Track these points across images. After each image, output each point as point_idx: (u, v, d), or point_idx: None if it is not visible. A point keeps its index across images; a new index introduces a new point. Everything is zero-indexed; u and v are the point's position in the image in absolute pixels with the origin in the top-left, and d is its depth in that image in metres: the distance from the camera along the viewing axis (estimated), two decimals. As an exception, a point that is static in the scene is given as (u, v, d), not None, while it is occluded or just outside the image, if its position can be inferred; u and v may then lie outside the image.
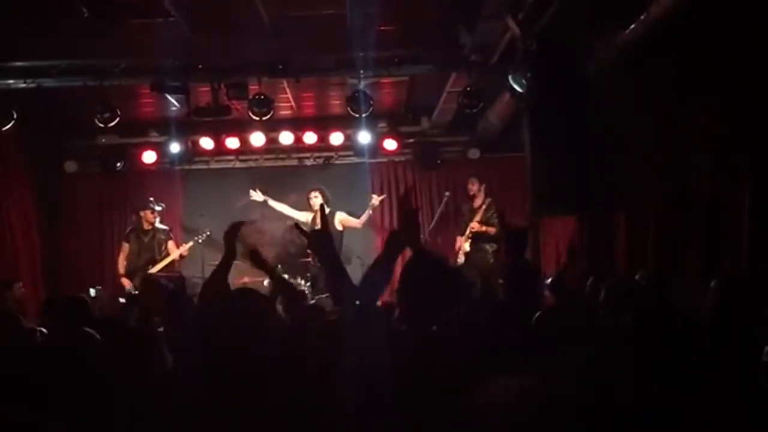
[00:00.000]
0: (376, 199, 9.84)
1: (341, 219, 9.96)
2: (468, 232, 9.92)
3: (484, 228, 9.80)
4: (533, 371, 2.32)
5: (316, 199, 9.91)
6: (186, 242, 10.19)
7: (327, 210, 9.79)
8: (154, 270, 9.69)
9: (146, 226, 9.88)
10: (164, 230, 10.00)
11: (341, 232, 9.92)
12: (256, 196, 10.21)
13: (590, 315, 3.72)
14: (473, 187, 10.12)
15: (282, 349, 2.78)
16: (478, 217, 9.92)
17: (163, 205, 10.26)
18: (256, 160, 11.59)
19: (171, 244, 9.95)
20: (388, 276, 3.03)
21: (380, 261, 3.09)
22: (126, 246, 9.97)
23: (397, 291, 3.08)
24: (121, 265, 9.91)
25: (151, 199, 10.20)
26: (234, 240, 3.76)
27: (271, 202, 10.20)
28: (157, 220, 9.97)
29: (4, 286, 8.31)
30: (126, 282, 9.76)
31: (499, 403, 1.63)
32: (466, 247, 9.88)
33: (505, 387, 1.68)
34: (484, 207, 9.95)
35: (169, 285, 7.63)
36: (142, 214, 9.93)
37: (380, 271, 3.06)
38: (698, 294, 4.49)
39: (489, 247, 9.79)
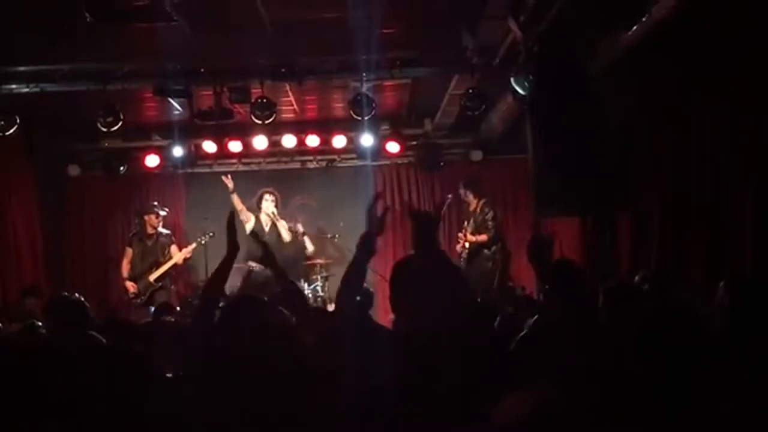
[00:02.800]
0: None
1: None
2: (463, 244, 9.92)
3: (475, 238, 9.81)
4: (548, 381, 2.32)
5: (270, 203, 9.93)
6: (189, 245, 10.20)
7: (276, 214, 9.87)
8: (157, 274, 9.71)
9: (149, 230, 9.90)
10: (167, 234, 10.04)
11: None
12: (228, 183, 10.16)
13: (590, 318, 3.70)
14: (461, 192, 10.21)
15: (284, 355, 2.78)
16: (470, 228, 9.93)
17: (167, 209, 10.28)
18: (259, 163, 11.61)
19: (174, 247, 9.97)
20: (362, 277, 3.05)
21: (353, 264, 3.09)
22: (129, 251, 9.99)
23: (391, 292, 3.07)
24: (125, 269, 9.93)
25: (155, 203, 10.23)
26: (235, 233, 3.73)
27: (234, 198, 10.11)
28: (160, 224, 10.00)
29: (28, 293, 8.34)
30: (130, 285, 9.79)
31: (518, 415, 1.63)
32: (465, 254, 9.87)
33: (523, 399, 1.68)
34: (477, 210, 9.96)
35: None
36: (146, 218, 9.96)
37: (355, 274, 3.07)
38: (702, 294, 4.50)
39: (486, 252, 9.82)
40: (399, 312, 3.07)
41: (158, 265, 9.77)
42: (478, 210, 9.95)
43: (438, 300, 2.93)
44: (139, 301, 9.65)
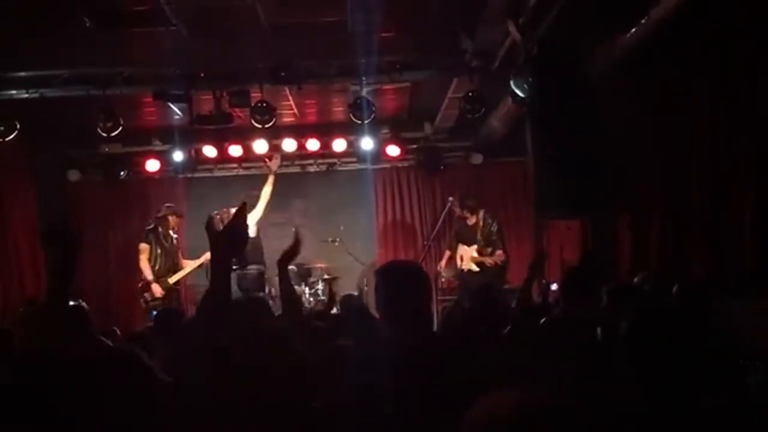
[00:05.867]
0: None
1: None
2: (471, 260, 9.54)
3: (492, 260, 9.32)
4: (532, 383, 2.32)
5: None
6: (192, 250, 10.04)
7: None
8: (177, 276, 9.49)
9: (171, 231, 9.69)
10: (176, 239, 9.83)
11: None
12: (275, 163, 10.16)
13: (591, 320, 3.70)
14: (456, 210, 9.97)
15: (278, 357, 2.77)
16: (476, 246, 9.55)
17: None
18: (260, 167, 11.60)
19: (179, 253, 9.82)
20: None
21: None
22: (146, 247, 9.45)
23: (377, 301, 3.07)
24: (147, 268, 9.35)
25: (171, 205, 9.98)
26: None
27: (270, 180, 10.08)
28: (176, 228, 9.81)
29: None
30: (157, 290, 9.31)
31: (498, 415, 1.62)
32: (474, 267, 9.52)
33: (502, 399, 1.67)
34: (481, 223, 9.64)
35: None
36: (170, 217, 9.63)
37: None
38: (700, 296, 4.50)
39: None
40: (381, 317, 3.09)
41: (176, 270, 9.48)
42: (481, 223, 9.63)
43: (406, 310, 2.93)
44: (159, 305, 8.90)
